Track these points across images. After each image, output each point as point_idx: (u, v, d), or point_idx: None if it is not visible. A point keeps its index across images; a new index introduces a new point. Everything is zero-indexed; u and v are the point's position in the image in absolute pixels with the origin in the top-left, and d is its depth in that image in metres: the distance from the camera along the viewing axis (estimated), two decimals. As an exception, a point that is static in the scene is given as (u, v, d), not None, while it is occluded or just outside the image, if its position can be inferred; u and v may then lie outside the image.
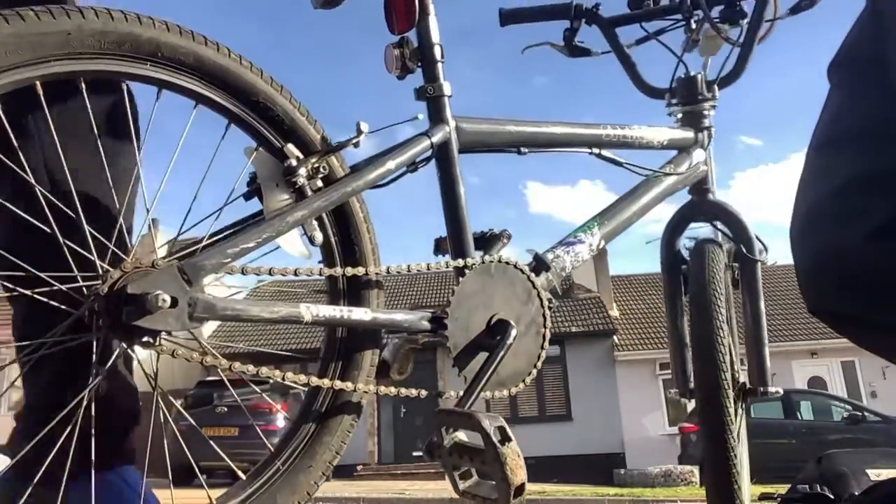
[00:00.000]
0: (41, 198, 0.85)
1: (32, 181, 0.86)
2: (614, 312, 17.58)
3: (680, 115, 1.63)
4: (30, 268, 0.87)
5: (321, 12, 1.21)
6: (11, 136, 0.83)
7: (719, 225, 1.61)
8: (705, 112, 1.61)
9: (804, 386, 15.45)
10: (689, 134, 1.60)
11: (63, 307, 0.88)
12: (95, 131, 0.94)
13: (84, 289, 0.88)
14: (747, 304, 1.55)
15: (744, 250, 1.54)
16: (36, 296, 0.88)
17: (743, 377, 1.52)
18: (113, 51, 0.86)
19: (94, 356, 0.92)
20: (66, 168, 0.90)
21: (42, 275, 0.87)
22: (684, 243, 1.62)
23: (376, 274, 1.11)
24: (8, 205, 0.87)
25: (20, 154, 0.85)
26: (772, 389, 1.50)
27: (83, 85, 0.87)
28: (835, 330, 0.69)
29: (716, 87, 1.62)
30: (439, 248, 1.29)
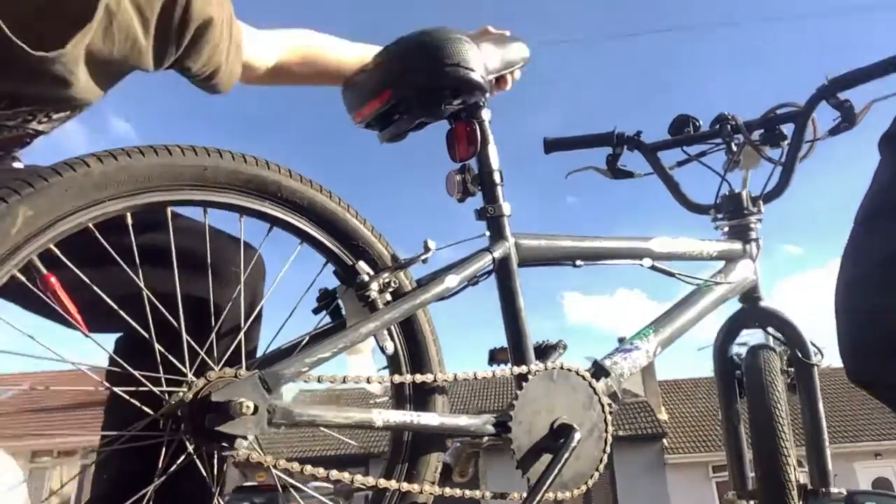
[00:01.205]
0: (147, 304, 0.95)
1: (143, 288, 0.96)
2: (663, 416, 17.16)
3: (727, 229, 1.71)
4: (126, 366, 0.95)
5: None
6: (135, 247, 0.93)
7: (772, 330, 1.64)
8: (752, 225, 1.68)
9: (869, 487, 14.53)
10: (738, 246, 1.67)
11: (145, 408, 0.96)
12: (208, 253, 1.05)
13: (168, 393, 0.95)
14: (805, 406, 1.56)
15: (799, 354, 1.57)
16: (121, 393, 0.96)
17: (804, 478, 1.51)
18: (241, 188, 1.01)
19: (161, 457, 0.97)
20: (177, 280, 0.99)
21: (136, 373, 0.95)
22: (736, 350, 1.66)
23: (443, 381, 1.18)
24: (116, 307, 0.95)
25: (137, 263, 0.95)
26: (834, 490, 1.49)
27: (206, 213, 1.01)
28: (876, 397, 0.71)
29: (761, 202, 1.70)
30: (494, 358, 1.35)
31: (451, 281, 1.19)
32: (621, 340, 1.47)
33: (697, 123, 1.76)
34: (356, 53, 1.37)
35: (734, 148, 1.71)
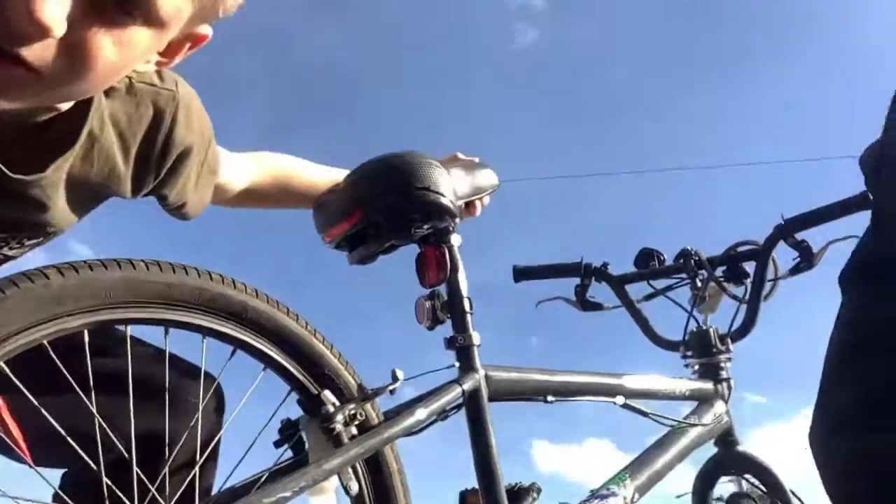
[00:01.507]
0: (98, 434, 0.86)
1: (97, 416, 0.87)
2: None
3: (697, 367, 1.66)
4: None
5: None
6: (89, 369, 0.85)
7: (750, 478, 1.56)
8: (722, 364, 1.64)
9: None
10: (709, 385, 1.62)
11: None
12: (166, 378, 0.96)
13: None
14: None
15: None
16: None
17: None
18: (205, 307, 0.95)
19: None
20: (131, 410, 0.90)
21: None
22: (717, 494, 1.57)
23: (410, 528, 1.06)
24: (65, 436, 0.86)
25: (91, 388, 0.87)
26: None
27: (167, 333, 0.94)
28: None
29: (728, 341, 1.67)
30: (465, 501, 1.24)
31: (421, 414, 1.09)
32: (593, 492, 1.36)
33: (662, 257, 1.76)
34: (328, 177, 1.37)
35: (699, 283, 1.71)
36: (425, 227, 1.22)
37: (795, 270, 1.64)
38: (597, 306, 1.83)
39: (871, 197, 0.72)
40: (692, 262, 1.71)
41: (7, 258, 1.07)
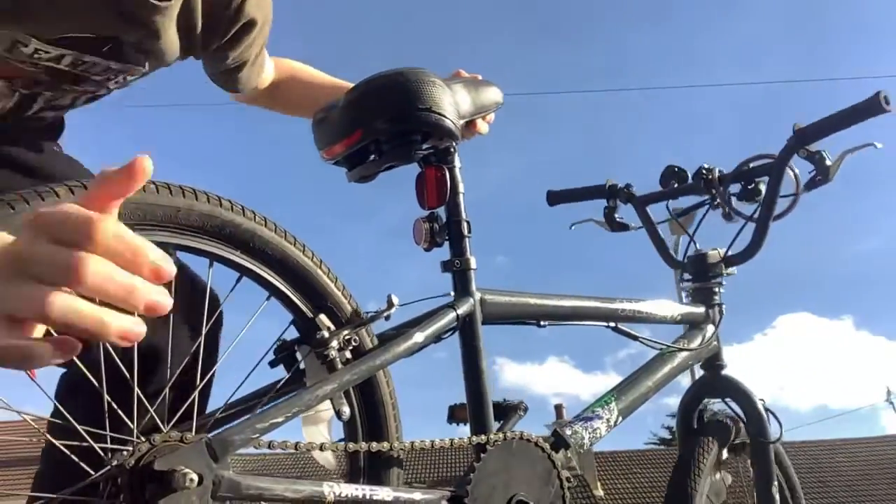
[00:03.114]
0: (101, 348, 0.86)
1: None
2: (599, 492, 16.80)
3: (691, 292, 1.67)
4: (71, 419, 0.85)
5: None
6: None
7: (731, 404, 1.60)
8: (715, 289, 1.64)
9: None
10: (701, 310, 1.63)
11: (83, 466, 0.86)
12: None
13: (110, 452, 0.85)
14: (760, 484, 1.51)
15: (754, 431, 1.52)
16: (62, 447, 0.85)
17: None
18: (213, 233, 0.94)
19: None
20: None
21: (80, 428, 0.85)
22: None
23: (399, 450, 1.08)
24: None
25: None
26: None
27: (174, 254, 0.92)
28: None
29: (722, 265, 1.65)
30: (454, 416, 1.27)
31: (415, 339, 1.10)
32: (578, 415, 1.39)
33: (684, 174, 1.71)
34: (339, 85, 1.41)
35: (716, 202, 1.67)
36: (426, 147, 1.19)
37: (811, 185, 1.57)
38: (624, 227, 1.83)
39: None
40: (703, 181, 1.67)
41: (108, 92, 1.15)
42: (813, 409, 47.35)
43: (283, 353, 1.08)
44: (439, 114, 1.14)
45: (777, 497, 1.49)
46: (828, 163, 1.49)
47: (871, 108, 1.37)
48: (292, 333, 1.11)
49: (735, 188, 1.66)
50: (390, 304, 1.09)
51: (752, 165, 1.62)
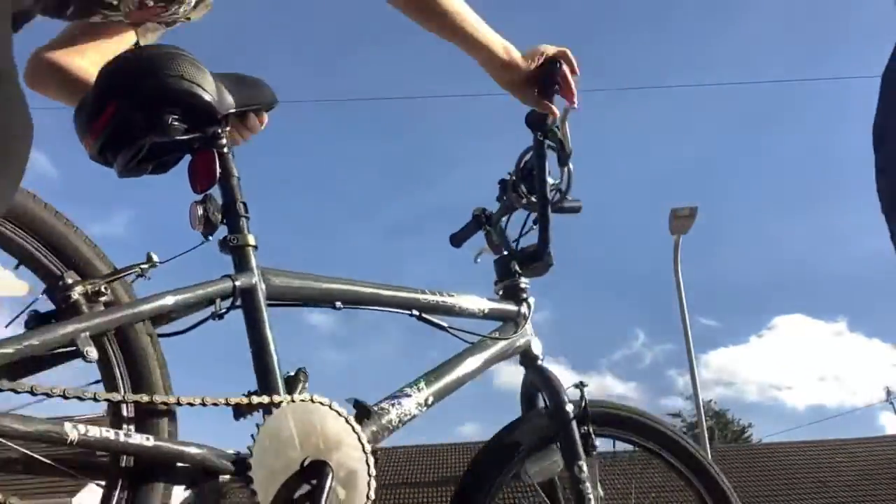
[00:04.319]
0: None
1: None
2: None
3: (500, 291, 1.70)
4: None
5: None
6: None
7: (544, 395, 1.59)
8: (521, 286, 1.68)
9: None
10: (511, 306, 1.66)
11: None
12: None
13: None
14: (567, 466, 1.48)
15: (554, 413, 1.51)
16: None
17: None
18: None
19: None
20: None
21: None
22: None
23: (162, 402, 1.02)
24: None
25: None
26: None
27: None
28: None
29: (515, 263, 1.69)
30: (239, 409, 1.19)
31: (170, 300, 1.07)
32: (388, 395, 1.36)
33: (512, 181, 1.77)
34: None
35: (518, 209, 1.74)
36: (186, 126, 1.19)
37: (562, 161, 1.63)
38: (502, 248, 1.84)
39: None
40: (503, 189, 1.75)
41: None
42: (809, 410, 47.01)
43: (34, 324, 1.02)
44: (193, 83, 1.16)
45: (585, 475, 1.47)
46: (559, 135, 1.60)
47: (552, 71, 1.49)
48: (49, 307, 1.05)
49: (524, 188, 1.74)
50: (149, 260, 1.07)
51: (526, 159, 1.72)
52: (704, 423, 12.28)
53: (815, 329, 51.93)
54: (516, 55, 1.47)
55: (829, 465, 17.57)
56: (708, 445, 12.09)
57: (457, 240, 1.92)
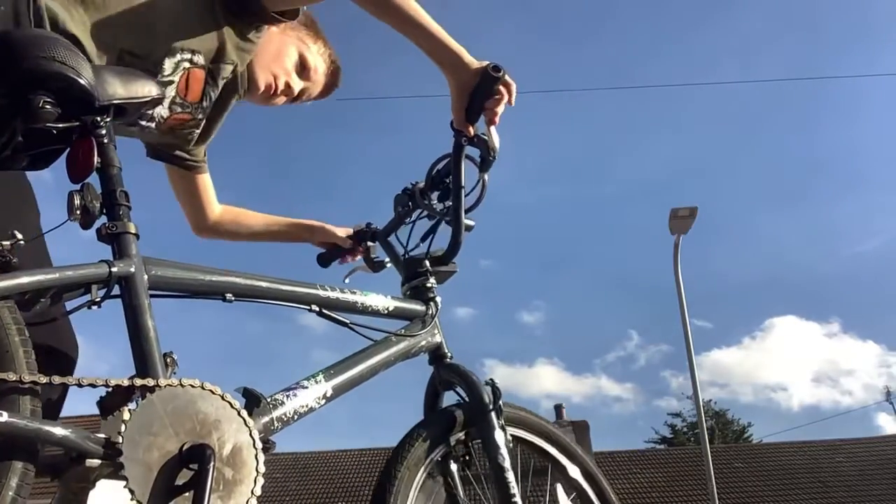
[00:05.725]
0: None
1: None
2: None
3: (407, 291, 1.68)
4: None
5: None
6: None
7: (459, 390, 1.57)
8: (428, 284, 1.67)
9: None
10: (417, 305, 1.63)
11: None
12: None
13: None
14: (489, 457, 1.45)
15: (474, 405, 1.48)
16: None
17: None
18: None
19: None
20: None
21: None
22: None
23: (20, 380, 0.96)
24: None
25: None
26: None
27: None
28: None
29: (427, 262, 1.69)
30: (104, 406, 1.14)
31: (24, 279, 1.02)
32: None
33: (406, 196, 1.77)
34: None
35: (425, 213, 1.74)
36: (59, 112, 1.14)
37: (485, 165, 1.61)
38: (381, 265, 1.88)
39: None
40: (409, 197, 1.75)
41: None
42: (803, 411, 46.55)
43: None
44: (66, 64, 1.12)
45: (507, 462, 1.44)
46: (487, 140, 1.61)
47: (486, 80, 1.52)
48: None
49: (435, 196, 1.74)
50: (12, 236, 1.02)
51: (438, 168, 1.73)
52: (704, 423, 12.35)
53: (809, 330, 52.35)
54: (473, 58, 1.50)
55: (829, 464, 17.76)
56: (708, 446, 12.00)
57: (325, 260, 1.96)
